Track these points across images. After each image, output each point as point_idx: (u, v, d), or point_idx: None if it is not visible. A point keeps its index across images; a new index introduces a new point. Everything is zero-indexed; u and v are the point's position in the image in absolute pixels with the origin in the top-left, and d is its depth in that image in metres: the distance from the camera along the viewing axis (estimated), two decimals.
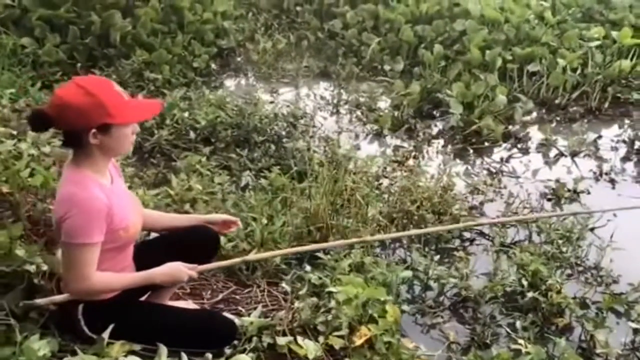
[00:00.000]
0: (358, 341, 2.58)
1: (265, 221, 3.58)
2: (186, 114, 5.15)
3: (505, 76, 6.51)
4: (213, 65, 6.87)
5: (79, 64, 6.14)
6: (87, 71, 5.95)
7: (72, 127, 2.22)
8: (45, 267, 2.54)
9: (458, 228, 3.97)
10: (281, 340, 2.61)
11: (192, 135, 4.92)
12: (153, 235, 2.88)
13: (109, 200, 2.24)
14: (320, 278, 3.12)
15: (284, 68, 7.13)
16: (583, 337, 3.14)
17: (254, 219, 3.57)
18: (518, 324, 3.15)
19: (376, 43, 7.31)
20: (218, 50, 7.19)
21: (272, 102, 5.73)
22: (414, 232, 3.64)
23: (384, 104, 6.18)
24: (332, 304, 2.80)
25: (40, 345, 2.09)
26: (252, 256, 2.83)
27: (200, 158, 4.41)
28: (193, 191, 3.89)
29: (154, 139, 4.80)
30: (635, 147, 5.50)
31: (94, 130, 2.21)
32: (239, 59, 7.33)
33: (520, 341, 2.89)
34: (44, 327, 2.42)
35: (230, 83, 6.79)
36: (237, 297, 3.10)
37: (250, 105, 5.42)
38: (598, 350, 3.04)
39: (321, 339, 2.63)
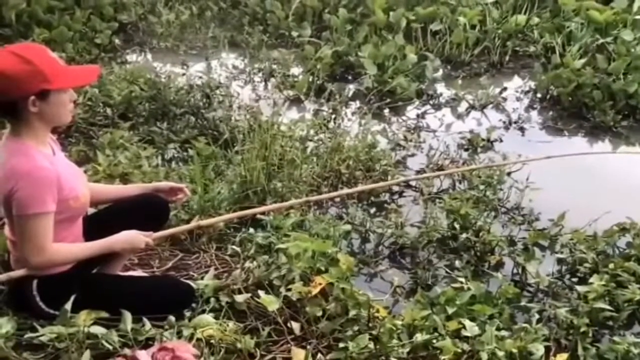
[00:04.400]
0: (314, 290, 2.65)
1: (199, 190, 3.56)
2: (97, 91, 4.98)
3: (411, 36, 6.68)
4: (117, 41, 6.64)
5: None
6: None
7: (10, 97, 2.15)
8: None
9: (395, 183, 4.13)
10: (239, 298, 2.66)
11: (108, 112, 4.78)
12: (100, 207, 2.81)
13: (55, 169, 2.19)
14: (266, 238, 3.17)
15: (190, 40, 6.98)
16: (515, 271, 3.36)
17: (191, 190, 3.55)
18: (457, 263, 3.33)
19: (280, 10, 7.30)
20: (120, 25, 6.95)
21: (184, 74, 5.63)
22: (355, 189, 3.78)
23: (297, 70, 6.21)
24: (283, 259, 2.86)
25: (2, 323, 2.03)
26: (205, 221, 2.86)
27: (122, 133, 4.30)
28: (121, 166, 3.81)
29: None
30: (538, 96, 5.83)
31: (32, 98, 2.15)
32: (142, 33, 7.10)
33: (461, 279, 3.05)
34: None
35: (137, 57, 6.60)
36: (187, 263, 3.10)
37: (163, 78, 5.31)
38: (530, 281, 3.26)
39: (279, 292, 2.69)
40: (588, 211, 3.71)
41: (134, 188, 2.74)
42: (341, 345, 2.48)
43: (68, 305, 2.20)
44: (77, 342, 2.24)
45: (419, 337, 2.50)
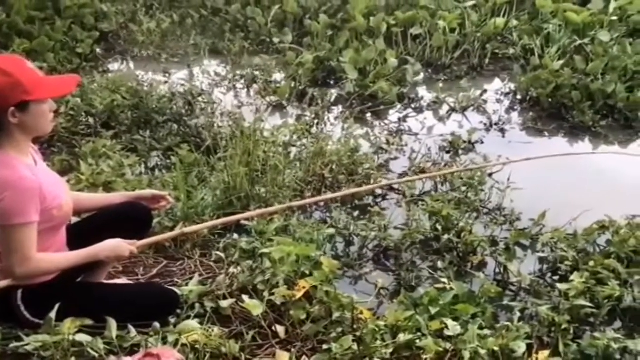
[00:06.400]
0: (298, 294, 2.67)
1: (183, 197, 3.57)
2: (79, 100, 4.98)
3: (391, 40, 6.74)
4: (98, 50, 6.67)
5: None
6: None
7: None
8: None
9: (379, 187, 4.17)
10: (224, 303, 2.68)
11: (91, 121, 4.78)
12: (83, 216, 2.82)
13: (38, 179, 2.20)
14: (250, 243, 3.18)
15: (172, 48, 7.00)
16: (497, 270, 3.40)
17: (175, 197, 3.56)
18: (440, 264, 3.37)
19: (261, 16, 7.33)
20: (101, 34, 6.95)
21: (166, 82, 5.64)
22: (339, 194, 3.81)
23: (279, 76, 6.24)
24: (267, 264, 2.88)
25: None
26: (189, 228, 2.87)
27: (105, 142, 4.31)
28: (104, 175, 3.82)
29: None
30: (518, 97, 5.90)
31: (12, 109, 2.16)
32: (124, 41, 7.10)
33: (443, 280, 3.08)
34: None
35: (119, 66, 6.61)
36: (171, 270, 3.12)
37: (145, 87, 5.32)
38: (512, 280, 3.30)
39: (263, 297, 2.70)
40: (568, 210, 3.76)
41: (117, 196, 2.75)
42: (325, 347, 2.50)
43: (53, 314, 2.21)
44: (63, 350, 2.25)
45: (402, 337, 2.52)
